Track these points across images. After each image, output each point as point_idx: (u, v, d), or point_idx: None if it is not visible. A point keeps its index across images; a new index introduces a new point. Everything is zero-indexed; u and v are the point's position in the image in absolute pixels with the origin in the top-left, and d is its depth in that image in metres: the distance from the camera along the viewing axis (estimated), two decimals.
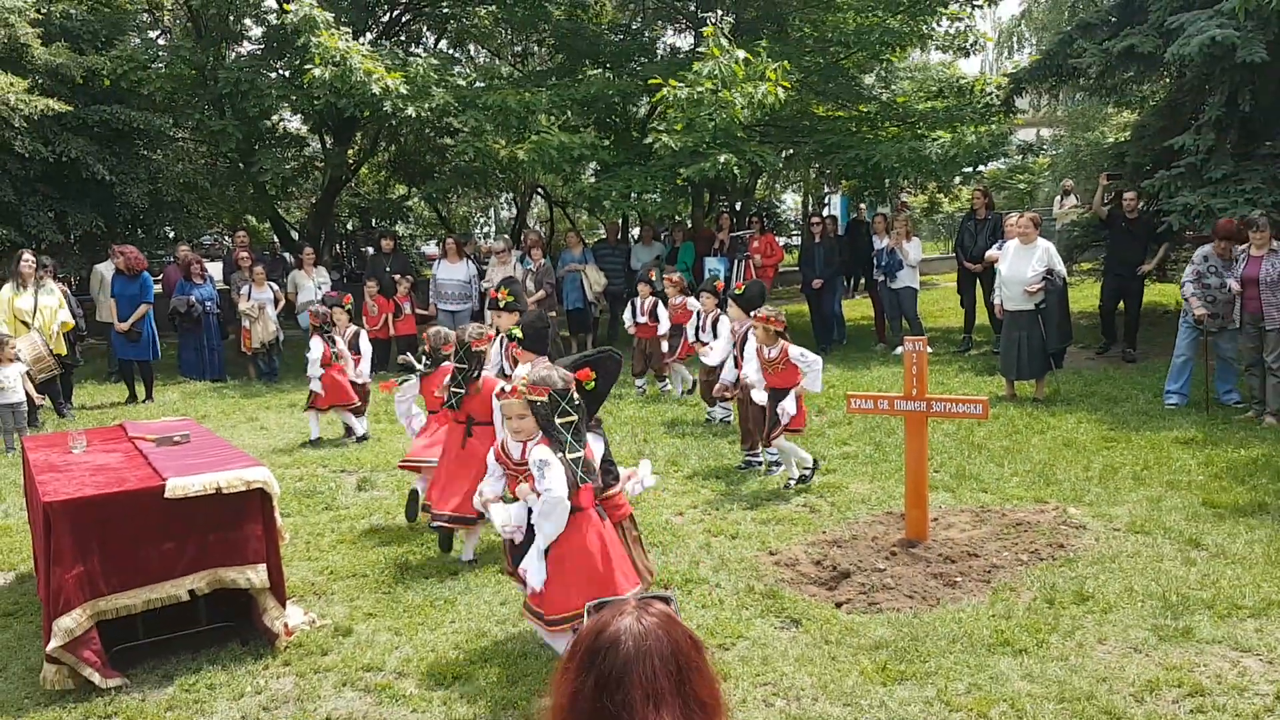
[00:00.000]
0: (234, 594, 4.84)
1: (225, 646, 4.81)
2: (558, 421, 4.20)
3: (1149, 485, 6.78)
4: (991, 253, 11.09)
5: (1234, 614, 4.64)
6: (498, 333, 6.66)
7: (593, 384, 4.40)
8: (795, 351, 7.17)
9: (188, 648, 4.79)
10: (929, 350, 7.57)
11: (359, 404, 9.48)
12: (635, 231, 17.86)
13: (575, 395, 4.27)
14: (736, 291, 7.72)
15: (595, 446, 4.42)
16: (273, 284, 13.10)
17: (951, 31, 16.42)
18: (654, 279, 11.07)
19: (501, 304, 6.71)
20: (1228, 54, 10.60)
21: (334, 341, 9.41)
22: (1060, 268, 9.56)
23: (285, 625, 4.80)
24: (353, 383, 9.41)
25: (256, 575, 4.74)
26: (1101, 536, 5.82)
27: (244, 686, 4.43)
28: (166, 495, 4.53)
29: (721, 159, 12.08)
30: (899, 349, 6.62)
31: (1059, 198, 17.22)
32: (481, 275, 14.00)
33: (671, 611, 1.89)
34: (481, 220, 33.13)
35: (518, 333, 5.89)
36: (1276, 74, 11.25)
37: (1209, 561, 5.34)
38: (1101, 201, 11.42)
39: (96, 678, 4.42)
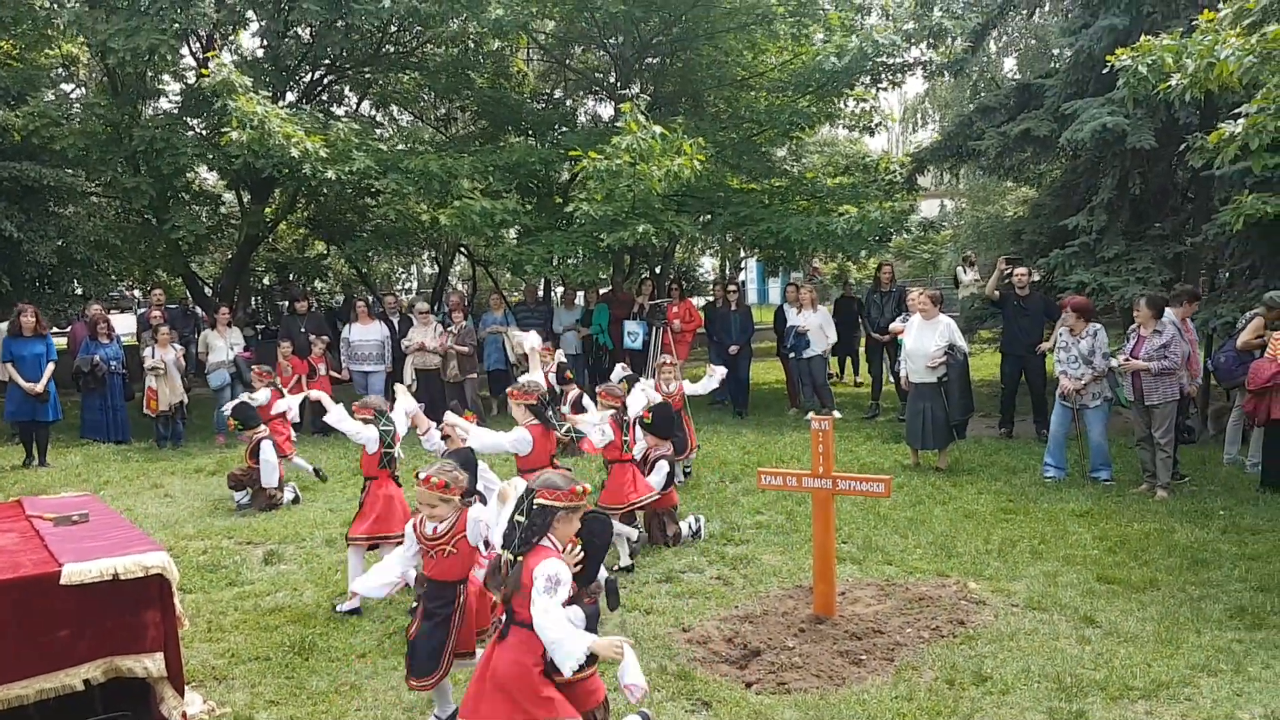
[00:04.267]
0: (131, 681, 4.70)
1: None
2: (514, 516, 3.91)
3: (1046, 560, 7.01)
4: (895, 325, 11.43)
5: (1125, 695, 4.81)
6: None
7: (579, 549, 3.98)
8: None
9: None
10: (838, 415, 7.77)
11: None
12: (558, 291, 18.01)
13: (544, 502, 3.90)
14: (645, 421, 7.76)
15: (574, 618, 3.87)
16: (176, 346, 12.82)
17: (857, 112, 17.06)
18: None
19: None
20: (1119, 140, 11.23)
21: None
22: (961, 343, 9.90)
23: (183, 714, 4.68)
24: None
25: (154, 664, 4.61)
26: (1000, 613, 6.00)
27: None
28: (62, 582, 4.41)
29: (640, 228, 12.32)
30: (810, 414, 6.77)
31: (960, 268, 17.86)
32: (394, 335, 13.93)
33: None
34: (403, 277, 32.96)
35: None
36: (1165, 159, 11.94)
37: (1102, 640, 5.53)
38: (996, 284, 11.83)
39: None
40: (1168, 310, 9.10)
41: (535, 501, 3.87)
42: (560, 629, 3.65)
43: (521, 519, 3.87)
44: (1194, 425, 10.57)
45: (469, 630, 4.74)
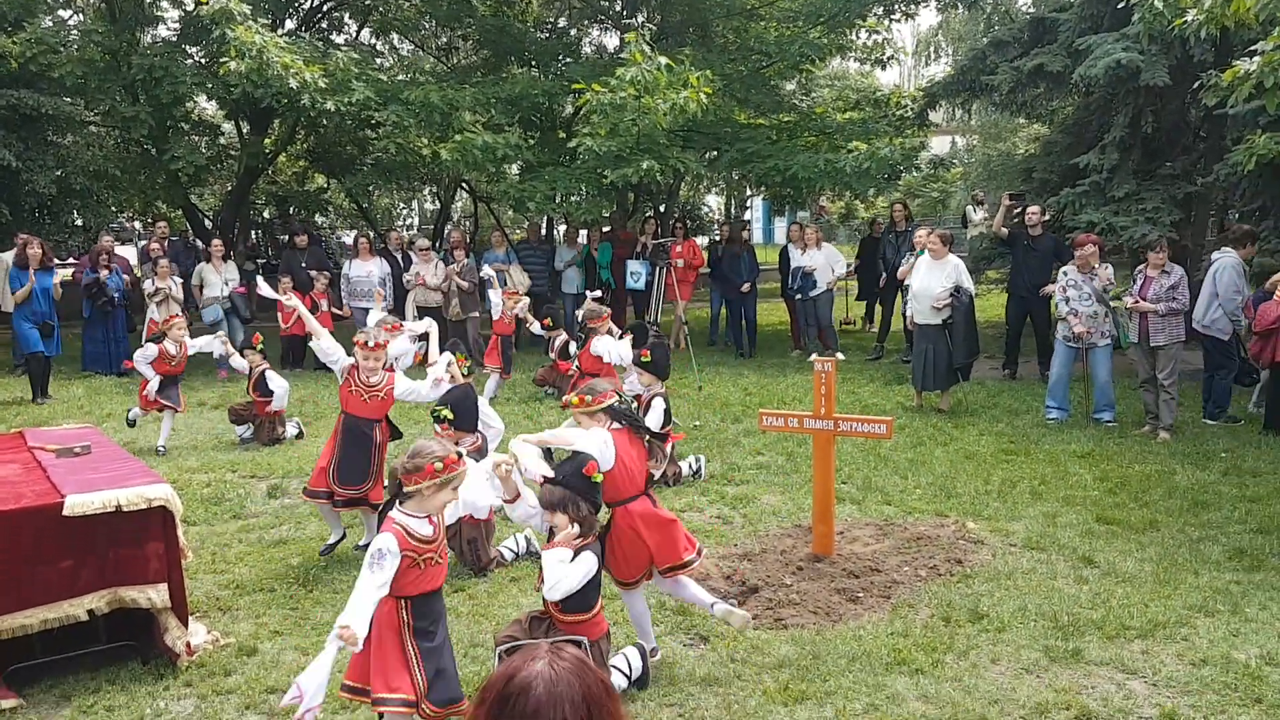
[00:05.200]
0: (135, 611, 4.74)
1: (125, 666, 4.72)
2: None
3: (1046, 500, 7.03)
4: (904, 269, 11.34)
5: (1122, 635, 4.84)
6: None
7: (600, 475, 4.29)
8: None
9: (86, 667, 4.68)
10: (841, 357, 7.74)
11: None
12: (560, 229, 17.86)
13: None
14: (644, 359, 7.65)
15: (589, 562, 4.17)
16: (176, 279, 12.74)
17: (869, 44, 16.74)
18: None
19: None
20: (1132, 76, 11.04)
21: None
22: (968, 284, 9.81)
23: (187, 644, 4.73)
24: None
25: (157, 594, 4.65)
26: (998, 552, 6.02)
27: (143, 708, 4.35)
28: (65, 513, 4.42)
29: (644, 165, 12.17)
30: (813, 356, 6.68)
31: (970, 206, 17.68)
32: (394, 271, 13.87)
33: (584, 656, 1.89)
34: (404, 212, 32.74)
35: (448, 413, 5.82)
36: (1178, 97, 11.73)
37: (1100, 580, 5.56)
38: (1003, 221, 11.72)
39: None
40: (1230, 251, 9.11)
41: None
42: None
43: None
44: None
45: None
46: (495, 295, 11.37)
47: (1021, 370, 11.75)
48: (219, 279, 13.21)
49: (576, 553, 4.13)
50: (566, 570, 4.06)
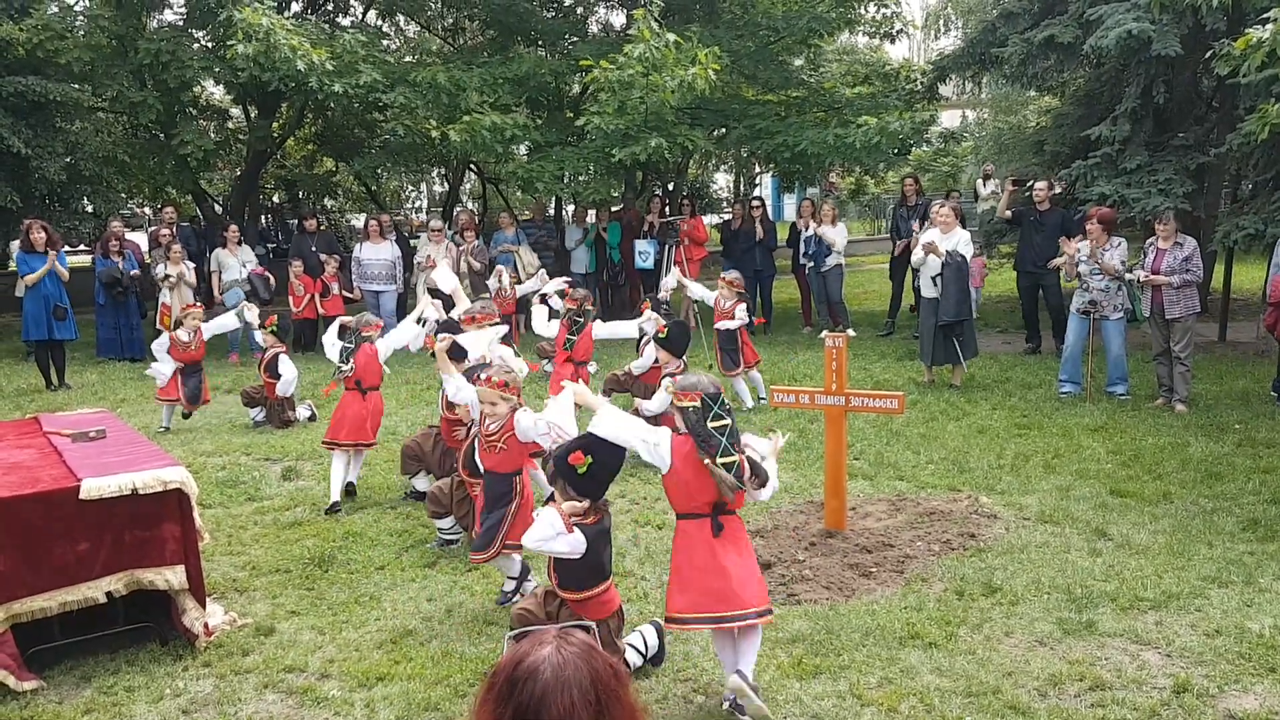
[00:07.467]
0: (153, 593, 4.79)
1: (144, 647, 4.76)
2: (710, 426, 3.97)
3: (1059, 474, 7.02)
4: (917, 255, 11.29)
5: (1135, 606, 4.84)
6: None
7: (585, 469, 4.02)
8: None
9: (106, 648, 4.72)
10: (853, 334, 7.73)
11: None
12: (569, 210, 17.82)
13: (726, 400, 4.11)
14: (660, 335, 7.67)
15: (573, 540, 4.00)
16: (188, 264, 12.77)
17: (878, 17, 16.59)
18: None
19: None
20: (1144, 47, 10.92)
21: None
22: (966, 251, 9.78)
23: (205, 625, 4.77)
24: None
25: (175, 576, 4.69)
26: (1011, 526, 6.03)
27: (163, 689, 4.39)
28: (82, 497, 4.46)
29: (652, 143, 12.13)
30: (824, 332, 6.65)
31: (979, 180, 17.59)
32: (405, 254, 13.89)
33: (592, 641, 1.90)
34: (413, 194, 32.73)
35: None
36: (1190, 67, 11.62)
37: (1114, 552, 5.56)
38: (1008, 205, 11.65)
39: (11, 680, 4.35)
40: None
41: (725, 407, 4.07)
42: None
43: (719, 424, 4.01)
44: None
45: (522, 523, 4.70)
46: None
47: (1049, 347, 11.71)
48: (236, 262, 13.26)
49: (578, 527, 4.04)
50: (549, 532, 3.96)
